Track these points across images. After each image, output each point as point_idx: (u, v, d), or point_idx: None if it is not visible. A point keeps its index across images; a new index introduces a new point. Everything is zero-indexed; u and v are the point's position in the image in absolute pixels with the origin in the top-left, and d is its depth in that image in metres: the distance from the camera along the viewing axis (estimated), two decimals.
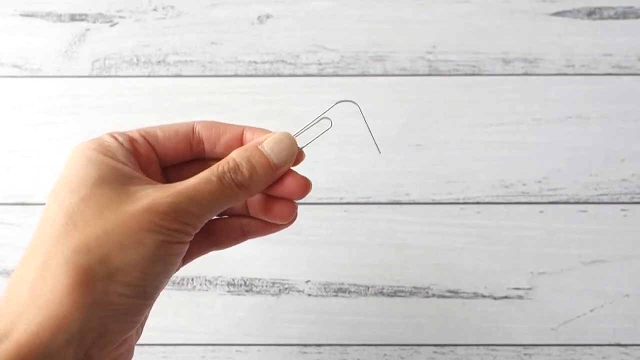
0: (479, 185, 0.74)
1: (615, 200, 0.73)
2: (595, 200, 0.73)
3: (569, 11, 0.79)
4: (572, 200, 0.73)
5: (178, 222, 0.37)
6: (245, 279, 0.72)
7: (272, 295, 0.71)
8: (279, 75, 0.77)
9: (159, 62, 0.78)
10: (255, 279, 0.72)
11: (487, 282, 0.71)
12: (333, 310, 0.71)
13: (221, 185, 0.39)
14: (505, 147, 0.75)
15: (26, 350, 0.33)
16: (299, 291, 0.71)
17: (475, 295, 0.71)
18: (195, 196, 0.38)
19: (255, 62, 0.78)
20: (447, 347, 0.70)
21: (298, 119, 0.75)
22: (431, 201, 0.74)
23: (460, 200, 0.73)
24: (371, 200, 0.74)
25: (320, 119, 0.45)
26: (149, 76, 0.77)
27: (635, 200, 0.73)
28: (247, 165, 0.40)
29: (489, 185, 0.74)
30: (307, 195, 0.44)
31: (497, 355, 0.70)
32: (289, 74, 0.77)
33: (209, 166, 0.41)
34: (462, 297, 0.71)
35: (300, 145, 0.43)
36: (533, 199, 0.73)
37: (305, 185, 0.43)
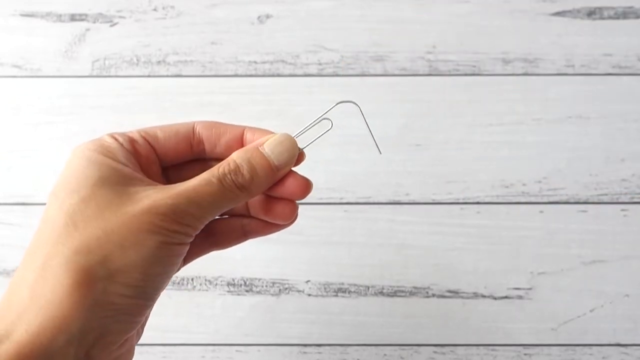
0: (479, 185, 0.74)
1: (615, 200, 0.73)
2: (595, 200, 0.73)
3: (569, 11, 0.79)
4: (572, 200, 0.73)
5: (178, 223, 0.37)
6: (245, 279, 0.72)
7: (272, 295, 0.71)
8: (279, 75, 0.77)
9: (159, 62, 0.78)
10: (255, 279, 0.72)
11: (487, 282, 0.71)
12: (333, 310, 0.71)
13: (222, 187, 0.39)
14: (505, 147, 0.75)
15: (27, 350, 0.33)
16: (299, 291, 0.72)
17: (475, 295, 0.71)
18: (195, 198, 0.38)
19: (255, 62, 0.78)
20: (447, 347, 0.70)
21: (298, 119, 0.75)
22: (431, 201, 0.74)
23: (460, 200, 0.73)
24: (371, 200, 0.74)
25: (321, 120, 0.45)
26: (149, 76, 0.77)
27: (635, 200, 0.73)
28: (247, 167, 0.40)
29: (489, 185, 0.74)
30: (307, 195, 0.44)
31: (497, 355, 0.70)
32: (289, 74, 0.77)
33: (210, 166, 0.41)
34: (462, 297, 0.71)
35: (300, 146, 0.43)
36: (533, 199, 0.73)
37: (306, 186, 0.43)
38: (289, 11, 0.79)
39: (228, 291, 0.72)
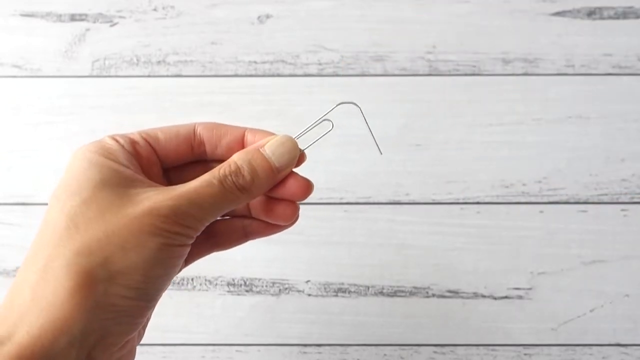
0: (479, 185, 0.74)
1: (615, 200, 0.73)
2: (595, 200, 0.73)
3: (569, 11, 0.79)
4: (572, 200, 0.73)
5: (179, 225, 0.37)
6: (245, 279, 0.72)
7: (272, 295, 0.71)
8: (279, 75, 0.77)
9: (159, 62, 0.78)
10: (255, 279, 0.72)
11: (487, 282, 0.72)
12: (333, 310, 0.71)
13: (222, 188, 0.39)
14: (505, 147, 0.75)
15: (28, 352, 0.33)
16: (299, 291, 0.72)
17: (475, 295, 0.71)
18: (196, 199, 0.38)
19: (255, 62, 0.78)
20: (447, 347, 0.70)
21: (298, 119, 0.75)
22: (431, 201, 0.74)
23: (460, 200, 0.73)
24: (371, 200, 0.74)
25: (322, 121, 0.45)
26: (149, 76, 0.77)
27: (635, 200, 0.73)
28: (248, 169, 0.40)
29: (489, 185, 0.74)
30: (308, 196, 0.44)
31: (497, 355, 0.70)
32: (289, 74, 0.77)
33: (211, 168, 0.41)
34: (462, 297, 0.71)
35: (301, 147, 0.43)
36: (533, 199, 0.73)
37: (307, 187, 0.43)
38: (289, 11, 0.79)
39: (228, 291, 0.72)
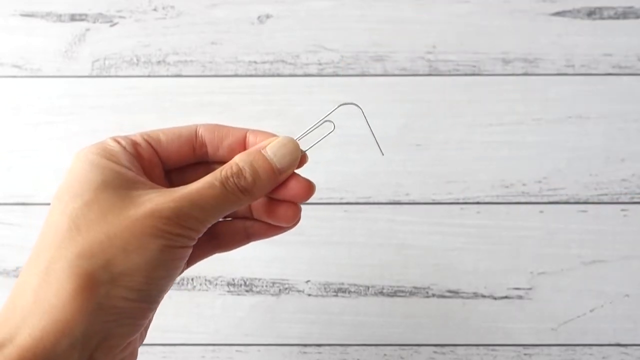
0: (479, 185, 0.74)
1: (615, 200, 0.73)
2: (595, 200, 0.73)
3: (569, 11, 0.79)
4: (572, 200, 0.73)
5: (181, 226, 0.37)
6: (245, 279, 0.72)
7: (272, 295, 0.71)
8: (279, 75, 0.77)
9: (159, 62, 0.78)
10: (255, 279, 0.72)
11: (487, 282, 0.72)
12: (333, 310, 0.71)
13: (224, 190, 0.39)
14: (505, 147, 0.75)
15: (30, 355, 0.34)
16: (299, 291, 0.72)
17: (475, 295, 0.71)
18: (198, 201, 0.38)
19: (255, 62, 0.78)
20: (447, 347, 0.70)
21: (298, 119, 0.75)
22: (431, 201, 0.74)
23: (460, 200, 0.73)
24: (371, 200, 0.74)
25: (323, 122, 0.45)
26: (149, 76, 0.77)
27: (635, 200, 0.73)
28: (250, 170, 0.40)
29: (489, 185, 0.74)
30: (310, 198, 0.44)
31: (497, 355, 0.70)
32: (289, 74, 0.77)
33: (212, 169, 0.41)
34: (462, 297, 0.71)
35: (303, 148, 0.43)
36: (533, 199, 0.73)
37: (308, 188, 0.43)
38: (289, 11, 0.79)
39: (228, 291, 0.72)
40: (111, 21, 0.79)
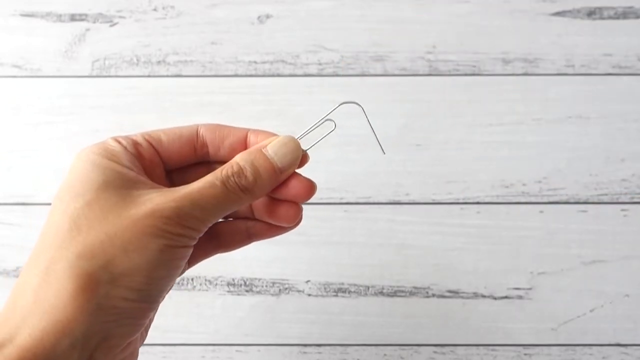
0: (479, 185, 0.74)
1: (615, 200, 0.73)
2: (595, 200, 0.73)
3: (569, 11, 0.79)
4: (572, 200, 0.73)
5: (182, 226, 0.37)
6: (245, 279, 0.72)
7: (272, 295, 0.71)
8: (279, 75, 0.77)
9: (159, 62, 0.78)
10: (255, 279, 0.72)
11: (487, 282, 0.72)
12: (333, 310, 0.71)
13: (225, 189, 0.39)
14: (505, 147, 0.75)
15: (30, 355, 0.33)
16: (299, 291, 0.72)
17: (475, 295, 0.71)
18: (199, 200, 0.38)
19: (255, 62, 0.78)
20: (447, 347, 0.70)
21: (298, 119, 0.75)
22: (431, 201, 0.74)
23: (460, 200, 0.73)
24: (371, 200, 0.74)
25: (324, 121, 0.45)
26: (149, 76, 0.77)
27: (635, 200, 0.73)
28: (251, 169, 0.40)
29: (489, 185, 0.74)
30: (311, 197, 0.44)
31: (497, 355, 0.70)
32: (289, 74, 0.77)
33: (213, 169, 0.41)
34: (462, 297, 0.71)
35: (304, 148, 0.43)
36: (533, 199, 0.73)
37: (310, 188, 0.43)
38: (289, 11, 0.79)
39: (228, 291, 0.72)
40: (111, 21, 0.79)
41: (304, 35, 0.78)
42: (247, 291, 0.71)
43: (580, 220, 0.73)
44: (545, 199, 0.73)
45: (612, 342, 0.70)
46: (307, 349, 0.70)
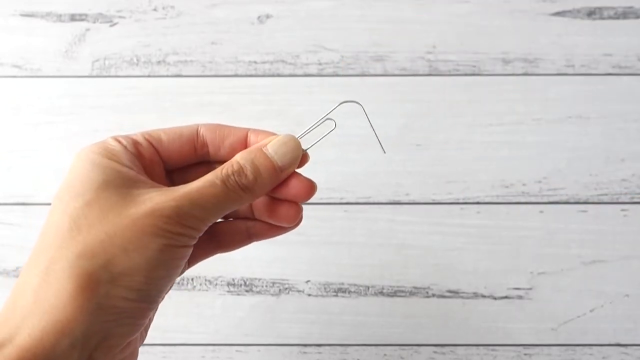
0: (479, 185, 0.74)
1: (615, 200, 0.73)
2: (595, 200, 0.73)
3: (569, 11, 0.79)
4: (572, 200, 0.73)
5: (182, 225, 0.37)
6: (245, 279, 0.72)
7: (272, 295, 0.71)
8: (279, 75, 0.77)
9: (159, 62, 0.78)
10: (255, 279, 0.72)
11: (487, 282, 0.72)
12: (333, 310, 0.71)
13: (225, 188, 0.39)
14: (505, 147, 0.75)
15: (30, 355, 0.33)
16: (299, 291, 0.72)
17: (475, 295, 0.71)
18: (199, 200, 0.38)
19: (255, 62, 0.78)
20: (447, 347, 0.70)
21: (298, 119, 0.75)
22: (431, 201, 0.74)
23: (460, 200, 0.73)
24: (371, 200, 0.74)
25: (324, 121, 0.45)
26: (149, 76, 0.77)
27: (635, 200, 0.73)
28: (251, 168, 0.40)
29: (489, 185, 0.74)
30: (312, 197, 0.44)
31: (497, 355, 0.70)
32: (289, 74, 0.77)
33: (214, 169, 0.41)
34: (462, 297, 0.71)
35: (304, 147, 0.43)
36: (533, 199, 0.73)
37: (310, 188, 0.43)
38: (289, 11, 0.79)
39: (228, 291, 0.72)
40: (111, 21, 0.79)
41: (304, 35, 0.78)
42: (247, 291, 0.71)
43: (580, 220, 0.73)
44: (545, 199, 0.73)
45: (612, 342, 0.70)
46: (307, 349, 0.70)
